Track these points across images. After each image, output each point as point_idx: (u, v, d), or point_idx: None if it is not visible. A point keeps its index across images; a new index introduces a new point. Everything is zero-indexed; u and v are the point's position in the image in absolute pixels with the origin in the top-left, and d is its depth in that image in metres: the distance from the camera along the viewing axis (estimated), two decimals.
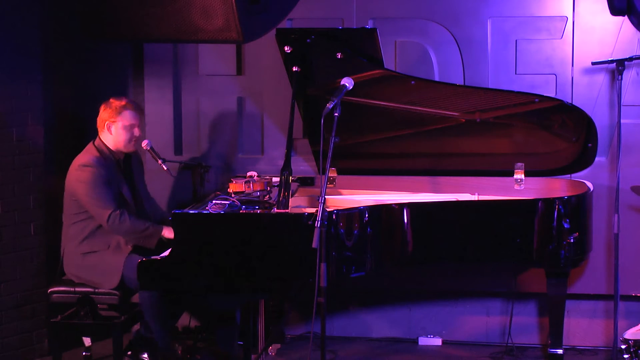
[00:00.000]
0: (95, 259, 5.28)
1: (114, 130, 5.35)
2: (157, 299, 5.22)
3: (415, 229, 5.15)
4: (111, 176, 5.31)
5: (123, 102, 5.37)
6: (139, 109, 5.46)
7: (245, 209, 5.05)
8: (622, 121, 5.46)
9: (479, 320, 6.17)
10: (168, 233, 5.20)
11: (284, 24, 5.88)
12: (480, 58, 5.95)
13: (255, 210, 5.06)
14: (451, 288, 6.15)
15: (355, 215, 4.98)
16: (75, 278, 5.34)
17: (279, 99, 6.08)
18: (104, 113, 5.37)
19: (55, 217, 5.64)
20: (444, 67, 5.99)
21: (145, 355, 5.49)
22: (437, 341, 6.18)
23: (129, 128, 5.36)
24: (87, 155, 5.32)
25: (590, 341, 6.02)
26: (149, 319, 5.29)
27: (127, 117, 5.36)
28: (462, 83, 5.94)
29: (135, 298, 5.32)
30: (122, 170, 5.43)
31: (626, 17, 5.64)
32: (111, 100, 5.40)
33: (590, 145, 5.53)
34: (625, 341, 4.85)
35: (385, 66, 5.38)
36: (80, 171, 5.26)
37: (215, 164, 6.23)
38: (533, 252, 5.27)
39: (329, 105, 4.58)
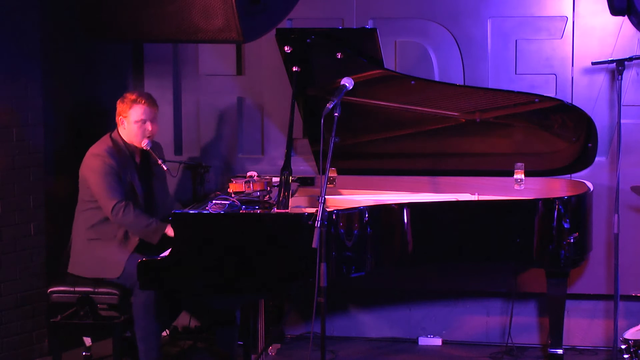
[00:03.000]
0: (100, 247, 5.30)
1: (125, 124, 5.36)
2: (150, 308, 5.20)
3: (415, 229, 5.15)
4: (122, 168, 5.31)
5: (134, 96, 5.37)
6: (152, 104, 5.40)
7: (245, 209, 5.05)
8: (622, 121, 5.46)
9: (479, 320, 6.17)
10: (172, 232, 5.18)
11: (284, 24, 5.88)
12: (480, 58, 5.95)
13: (255, 210, 5.06)
14: (451, 288, 6.15)
15: (355, 215, 4.98)
16: (80, 266, 5.34)
17: (279, 99, 6.08)
18: (118, 107, 5.39)
19: (55, 217, 5.65)
20: (444, 67, 6.00)
21: None
22: (437, 341, 6.18)
23: (140, 123, 5.35)
24: (100, 145, 5.35)
25: (590, 341, 6.02)
26: (137, 332, 5.23)
27: (137, 111, 5.34)
28: (462, 83, 5.94)
29: None
30: (135, 164, 5.43)
31: (626, 17, 5.64)
32: (126, 94, 5.40)
33: (590, 145, 5.53)
34: (625, 341, 4.85)
35: (385, 66, 5.38)
36: (92, 159, 5.30)
37: (215, 164, 6.23)
38: (533, 252, 5.27)
39: (329, 105, 4.58)
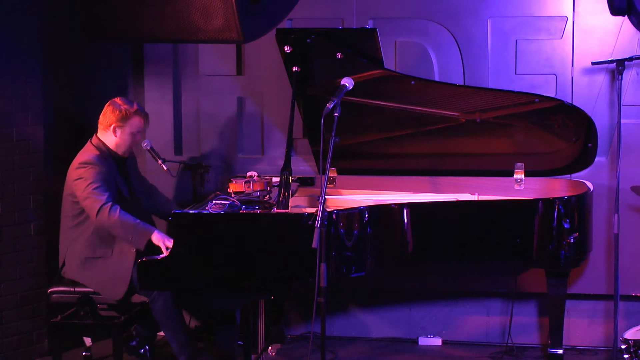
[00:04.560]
0: (99, 266, 5.25)
1: (119, 134, 5.31)
2: (170, 309, 5.20)
3: (415, 228, 5.15)
4: (110, 174, 5.29)
5: (133, 109, 5.32)
6: (146, 116, 5.41)
7: (245, 209, 5.05)
8: (622, 121, 5.46)
9: (479, 320, 6.17)
10: (157, 239, 5.10)
11: (284, 24, 5.88)
12: (480, 58, 5.95)
13: (255, 210, 5.06)
14: (451, 288, 6.15)
15: (355, 215, 4.98)
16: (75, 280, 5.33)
17: (279, 99, 6.08)
18: (111, 115, 5.31)
19: (55, 217, 5.64)
20: (444, 67, 6.00)
21: (147, 347, 5.55)
22: (437, 341, 6.18)
23: (135, 135, 5.35)
24: (87, 154, 5.29)
25: (590, 341, 6.02)
26: (166, 334, 5.27)
27: (135, 124, 5.32)
28: (462, 83, 5.94)
29: (135, 298, 5.30)
30: (119, 168, 5.41)
31: (626, 17, 5.64)
32: (119, 102, 5.34)
33: (590, 145, 5.53)
34: (625, 341, 4.85)
35: (385, 66, 5.38)
36: (80, 169, 5.23)
37: (215, 164, 6.23)
38: (533, 252, 5.27)
39: (329, 105, 4.58)
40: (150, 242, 5.12)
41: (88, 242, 5.26)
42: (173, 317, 5.21)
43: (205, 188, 5.97)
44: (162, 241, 5.04)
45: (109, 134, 5.33)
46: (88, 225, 5.26)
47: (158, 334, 5.80)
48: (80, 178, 5.20)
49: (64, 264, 5.34)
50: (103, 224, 5.15)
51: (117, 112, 5.31)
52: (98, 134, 5.37)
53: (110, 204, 5.13)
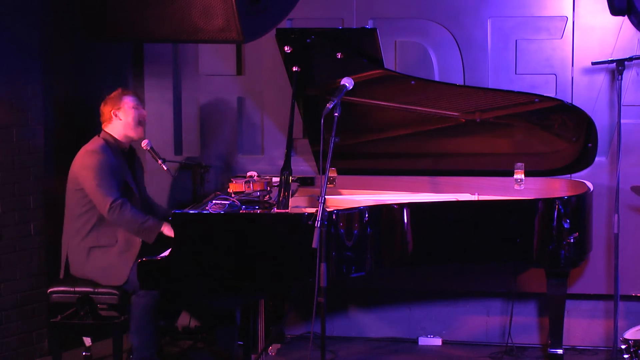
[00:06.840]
0: (102, 255, 5.26)
1: (121, 114, 5.36)
2: (149, 310, 5.20)
3: (415, 229, 5.15)
4: (117, 164, 5.30)
5: (119, 91, 5.42)
6: (133, 92, 5.50)
7: (245, 209, 5.05)
8: (622, 121, 5.46)
9: (479, 320, 6.17)
10: (168, 230, 5.18)
11: (284, 24, 5.88)
12: (480, 58, 5.95)
13: (255, 210, 5.06)
14: (451, 288, 6.15)
15: (355, 215, 4.98)
16: (79, 275, 5.32)
17: (279, 99, 6.09)
18: (106, 107, 5.39)
19: (55, 217, 5.64)
20: (444, 67, 6.00)
21: None
22: (437, 341, 6.18)
23: (135, 108, 5.39)
24: (94, 144, 5.33)
25: (590, 341, 6.02)
26: (134, 329, 5.23)
27: (129, 99, 5.39)
28: (462, 83, 5.94)
29: None
30: (127, 160, 5.42)
31: (626, 17, 5.65)
32: (107, 96, 5.43)
33: (590, 145, 5.53)
34: (625, 341, 4.86)
35: (385, 66, 5.38)
36: (87, 157, 5.26)
37: (215, 164, 6.23)
38: (533, 252, 5.27)
39: (329, 105, 4.58)
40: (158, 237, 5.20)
41: (93, 231, 5.28)
42: (149, 322, 5.21)
43: (205, 188, 5.97)
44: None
45: (114, 122, 5.37)
46: (91, 215, 5.28)
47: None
48: (88, 167, 5.23)
49: (67, 259, 5.35)
50: (114, 220, 5.20)
51: (108, 100, 5.40)
52: (104, 129, 5.40)
53: (119, 200, 5.17)
